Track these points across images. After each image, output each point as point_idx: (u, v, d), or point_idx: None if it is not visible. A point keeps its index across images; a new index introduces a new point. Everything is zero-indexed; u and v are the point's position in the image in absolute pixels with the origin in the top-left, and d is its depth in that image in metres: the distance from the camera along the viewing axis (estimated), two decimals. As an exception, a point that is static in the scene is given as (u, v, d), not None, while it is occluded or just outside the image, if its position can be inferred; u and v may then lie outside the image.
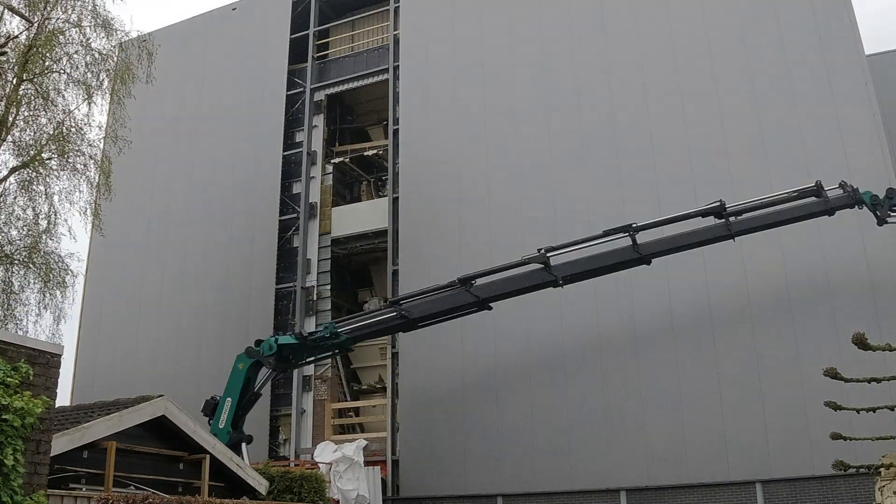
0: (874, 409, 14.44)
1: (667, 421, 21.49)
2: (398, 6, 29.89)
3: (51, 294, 20.78)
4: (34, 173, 20.12)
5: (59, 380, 8.60)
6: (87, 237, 28.66)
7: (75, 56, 20.35)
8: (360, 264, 31.83)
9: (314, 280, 28.71)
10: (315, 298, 28.40)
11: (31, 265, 20.51)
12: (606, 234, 19.64)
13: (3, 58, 18.51)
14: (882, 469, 13.52)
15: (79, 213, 20.73)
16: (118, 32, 21.15)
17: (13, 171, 19.79)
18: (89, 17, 20.61)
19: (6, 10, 18.91)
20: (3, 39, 18.73)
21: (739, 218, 19.46)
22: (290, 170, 30.17)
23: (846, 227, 20.37)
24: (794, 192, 19.30)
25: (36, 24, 19.33)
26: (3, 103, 18.95)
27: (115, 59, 21.18)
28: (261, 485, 13.61)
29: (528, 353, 23.71)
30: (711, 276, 21.95)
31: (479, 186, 26.10)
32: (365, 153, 31.58)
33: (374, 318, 21.53)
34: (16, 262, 20.45)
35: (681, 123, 23.84)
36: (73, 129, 20.25)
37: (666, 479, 21.20)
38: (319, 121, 30.92)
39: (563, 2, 26.97)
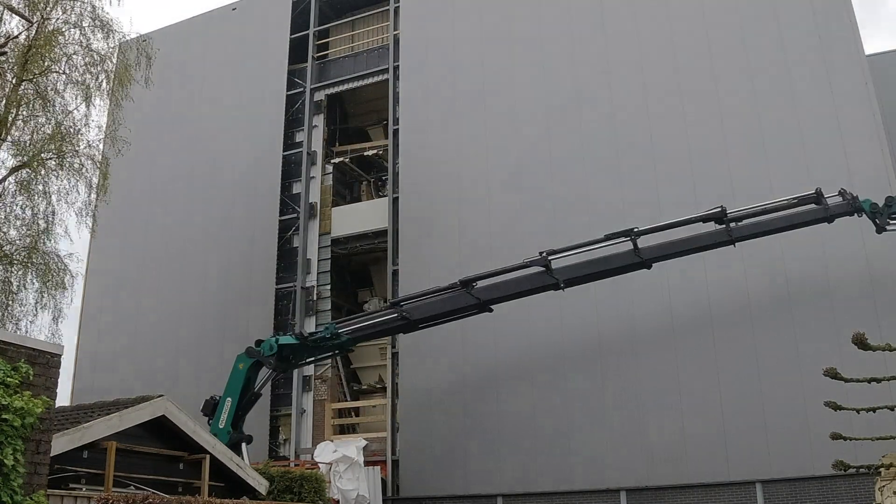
0: (874, 409, 14.46)
1: (667, 421, 21.49)
2: (398, 6, 29.89)
3: (49, 294, 20.76)
4: (33, 173, 20.09)
5: (59, 380, 8.60)
6: (86, 237, 28.65)
7: (74, 57, 20.37)
8: (360, 264, 31.83)
9: (314, 280, 28.71)
10: (315, 298, 28.39)
11: (29, 265, 20.48)
12: (608, 237, 19.69)
13: (3, 58, 18.49)
14: (882, 469, 13.54)
15: (76, 213, 20.73)
16: (117, 34, 21.16)
17: (13, 170, 19.77)
18: (88, 19, 20.62)
19: (6, 10, 18.90)
20: (2, 39, 18.71)
21: (740, 224, 19.60)
22: (290, 170, 30.16)
23: (846, 227, 20.36)
24: (795, 198, 19.58)
25: (35, 25, 19.30)
26: (2, 103, 18.93)
27: (114, 60, 21.17)
28: (261, 485, 13.60)
29: (528, 353, 23.71)
30: (711, 276, 21.96)
31: (479, 186, 26.10)
32: (365, 153, 31.57)
33: (375, 318, 21.54)
34: (15, 261, 20.42)
35: (681, 123, 23.85)
36: (71, 130, 20.24)
37: (666, 479, 21.20)
38: (319, 121, 30.91)
39: (563, 2, 26.98)
